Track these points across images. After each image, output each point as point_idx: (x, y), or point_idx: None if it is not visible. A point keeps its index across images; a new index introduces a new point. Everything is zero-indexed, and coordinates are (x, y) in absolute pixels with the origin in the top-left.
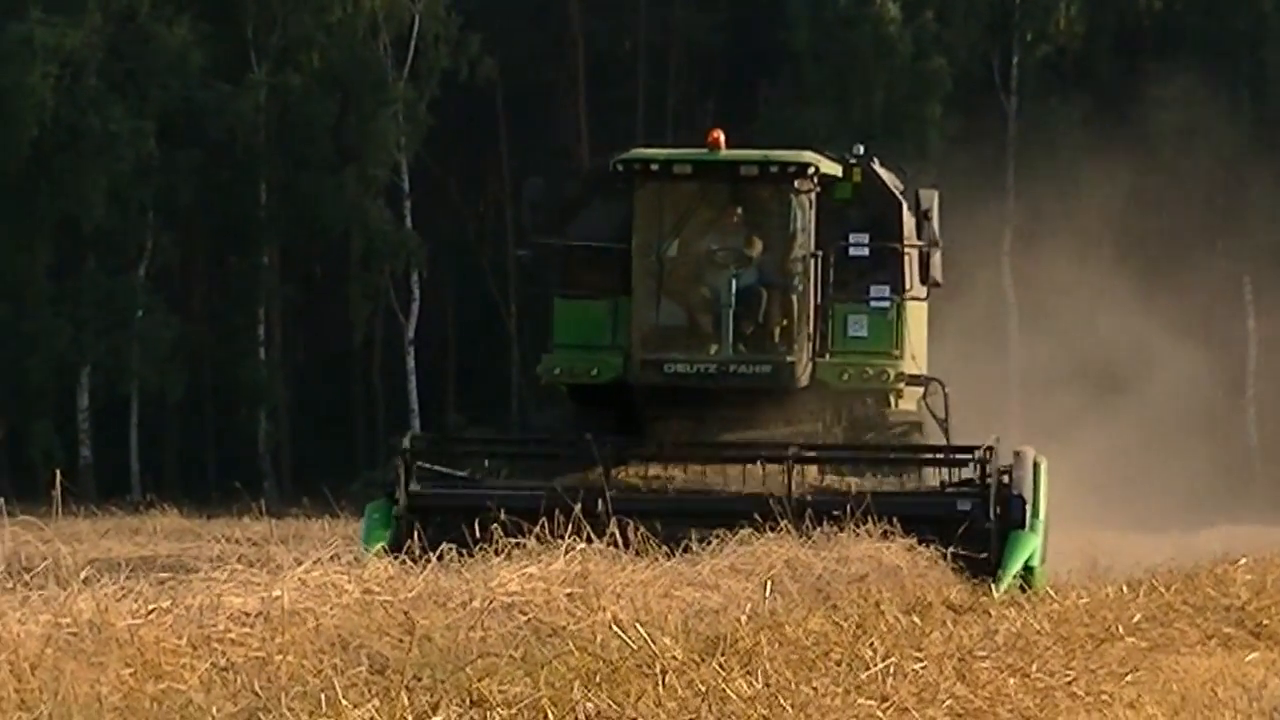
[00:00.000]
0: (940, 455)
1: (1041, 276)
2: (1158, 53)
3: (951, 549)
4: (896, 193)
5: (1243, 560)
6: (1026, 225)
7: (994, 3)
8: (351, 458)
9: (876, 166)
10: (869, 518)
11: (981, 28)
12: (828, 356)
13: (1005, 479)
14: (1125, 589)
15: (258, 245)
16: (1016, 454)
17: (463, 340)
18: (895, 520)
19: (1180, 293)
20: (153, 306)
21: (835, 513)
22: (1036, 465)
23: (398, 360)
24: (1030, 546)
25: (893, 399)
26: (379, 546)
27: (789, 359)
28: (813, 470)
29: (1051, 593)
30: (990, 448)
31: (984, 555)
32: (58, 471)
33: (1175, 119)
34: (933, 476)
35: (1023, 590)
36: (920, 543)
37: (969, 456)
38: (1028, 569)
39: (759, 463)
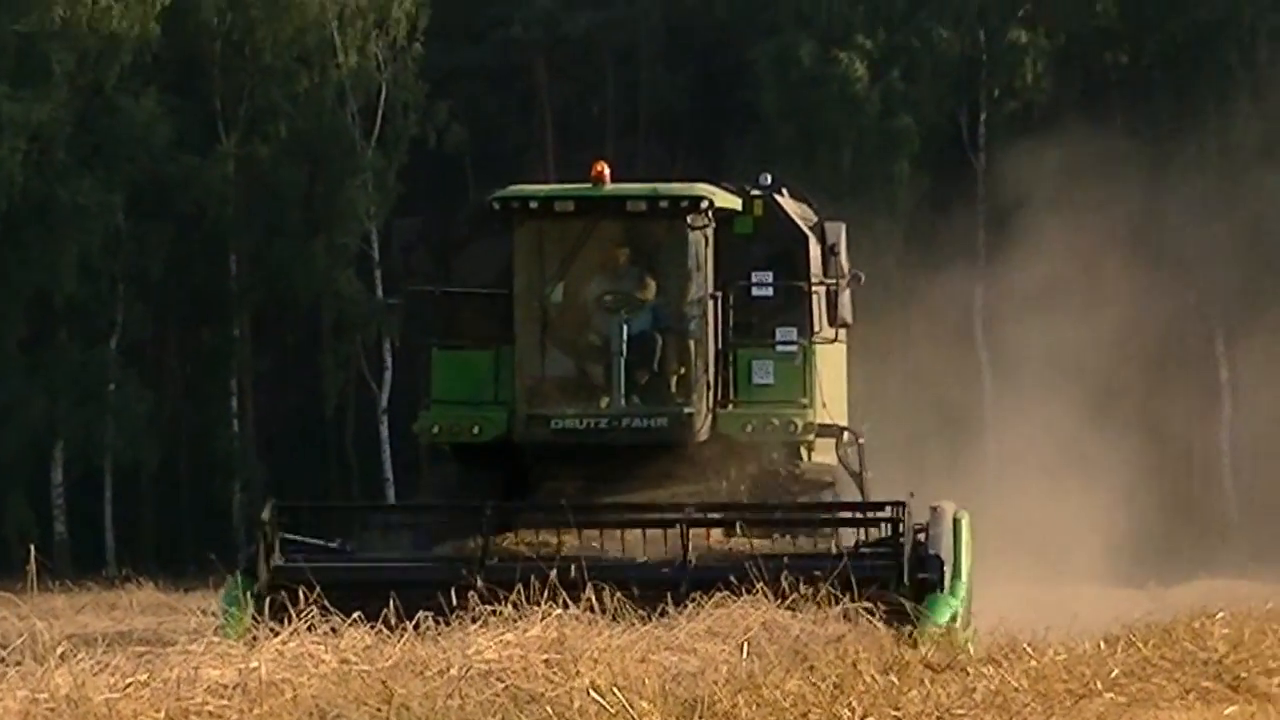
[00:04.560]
0: (846, 514)
1: (1013, 333)
2: (1125, 108)
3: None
4: (803, 226)
5: (1220, 614)
6: (997, 282)
7: (961, 60)
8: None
9: (783, 198)
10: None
11: (948, 85)
12: (730, 407)
13: (921, 537)
14: (1103, 644)
15: (229, 316)
16: (933, 510)
17: None
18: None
19: (1153, 345)
20: (125, 379)
21: (732, 579)
22: (957, 521)
23: (371, 429)
24: (948, 610)
25: (804, 451)
26: (239, 628)
27: (687, 410)
28: (715, 532)
29: (1029, 649)
30: (903, 504)
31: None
32: (32, 547)
33: (1143, 173)
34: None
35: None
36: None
37: (879, 514)
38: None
39: (649, 527)
